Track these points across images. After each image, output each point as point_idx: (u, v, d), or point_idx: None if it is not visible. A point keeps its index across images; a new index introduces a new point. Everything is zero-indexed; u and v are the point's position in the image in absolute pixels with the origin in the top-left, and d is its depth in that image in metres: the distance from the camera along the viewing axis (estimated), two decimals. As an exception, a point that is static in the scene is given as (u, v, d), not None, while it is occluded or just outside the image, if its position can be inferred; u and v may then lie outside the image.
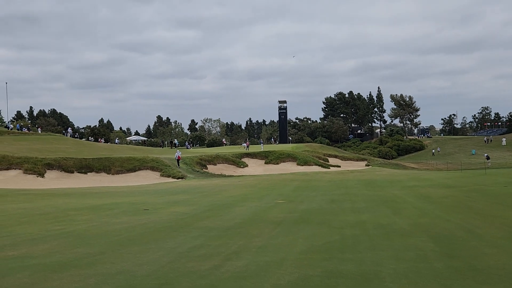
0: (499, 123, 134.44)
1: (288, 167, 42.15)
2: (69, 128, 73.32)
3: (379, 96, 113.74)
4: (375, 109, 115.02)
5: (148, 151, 44.95)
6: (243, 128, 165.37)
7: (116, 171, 30.40)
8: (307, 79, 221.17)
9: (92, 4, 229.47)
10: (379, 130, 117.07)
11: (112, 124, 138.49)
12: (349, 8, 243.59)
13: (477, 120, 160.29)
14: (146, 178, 29.78)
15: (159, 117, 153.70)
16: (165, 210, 13.60)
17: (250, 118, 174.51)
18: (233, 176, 32.61)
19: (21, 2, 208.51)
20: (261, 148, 54.88)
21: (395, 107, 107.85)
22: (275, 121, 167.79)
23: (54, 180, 26.93)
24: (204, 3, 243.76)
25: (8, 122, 67.26)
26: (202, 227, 10.10)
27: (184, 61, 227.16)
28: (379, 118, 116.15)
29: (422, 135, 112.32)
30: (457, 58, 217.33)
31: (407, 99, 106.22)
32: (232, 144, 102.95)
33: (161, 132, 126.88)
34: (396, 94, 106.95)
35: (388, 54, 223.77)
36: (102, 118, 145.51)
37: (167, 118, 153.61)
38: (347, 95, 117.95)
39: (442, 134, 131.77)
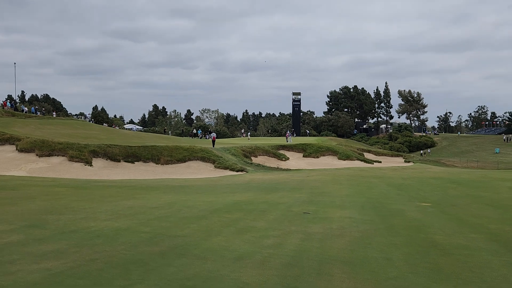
0: (498, 122, 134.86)
1: (330, 161, 39.55)
2: (88, 113, 69.38)
3: (387, 91, 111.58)
4: (382, 105, 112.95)
5: (177, 140, 41.60)
6: (239, 120, 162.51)
7: (166, 161, 27.13)
8: (300, 73, 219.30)
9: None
10: (384, 125, 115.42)
11: (106, 112, 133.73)
12: (346, 3, 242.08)
13: (472, 118, 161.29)
14: (200, 170, 26.66)
15: (155, 106, 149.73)
16: (331, 215, 10.67)
17: (246, 110, 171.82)
18: (290, 170, 29.73)
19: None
20: (287, 141, 51.93)
21: (402, 103, 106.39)
22: (270, 113, 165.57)
23: (103, 170, 23.58)
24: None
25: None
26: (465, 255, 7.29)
27: (177, 51, 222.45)
28: (385, 113, 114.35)
29: (420, 132, 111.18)
30: (449, 57, 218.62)
31: (415, 95, 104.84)
32: (232, 137, 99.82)
33: (160, 121, 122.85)
34: (404, 90, 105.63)
35: (381, 51, 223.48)
36: (96, 105, 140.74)
37: (163, 107, 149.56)
38: (351, 90, 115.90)
39: (436, 132, 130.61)
